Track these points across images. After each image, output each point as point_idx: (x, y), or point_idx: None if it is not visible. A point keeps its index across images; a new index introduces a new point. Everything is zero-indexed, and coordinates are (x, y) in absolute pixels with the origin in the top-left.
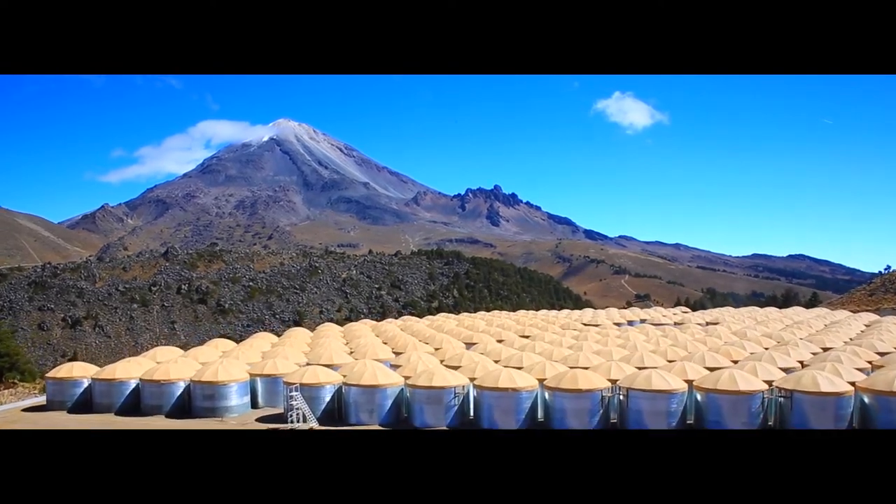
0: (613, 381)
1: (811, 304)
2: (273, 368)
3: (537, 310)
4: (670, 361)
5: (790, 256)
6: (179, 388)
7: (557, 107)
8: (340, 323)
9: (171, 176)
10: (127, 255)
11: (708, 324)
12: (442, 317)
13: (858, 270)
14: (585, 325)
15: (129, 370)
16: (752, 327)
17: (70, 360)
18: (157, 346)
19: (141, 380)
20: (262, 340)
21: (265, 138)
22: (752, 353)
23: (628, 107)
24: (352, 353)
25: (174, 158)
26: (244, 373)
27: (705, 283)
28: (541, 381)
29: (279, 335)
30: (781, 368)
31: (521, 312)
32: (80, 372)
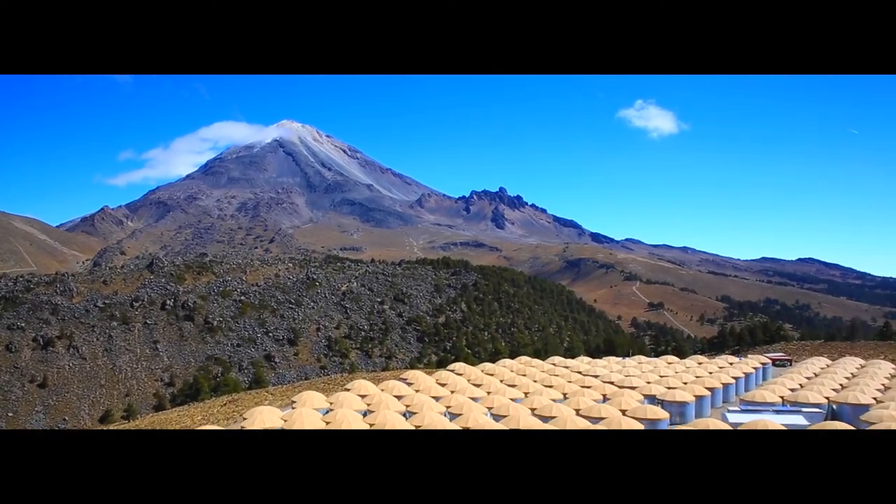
0: None
1: (885, 335)
2: None
3: (552, 323)
4: None
5: (799, 260)
6: None
7: (565, 109)
8: (337, 343)
9: (177, 178)
10: (110, 267)
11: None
12: (458, 369)
13: (869, 274)
14: (663, 401)
15: None
16: None
17: (39, 385)
18: (137, 368)
19: None
20: None
21: (268, 140)
22: None
23: (651, 114)
24: None
25: (183, 161)
26: None
27: (718, 290)
28: None
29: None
30: None
31: (559, 367)
32: None
